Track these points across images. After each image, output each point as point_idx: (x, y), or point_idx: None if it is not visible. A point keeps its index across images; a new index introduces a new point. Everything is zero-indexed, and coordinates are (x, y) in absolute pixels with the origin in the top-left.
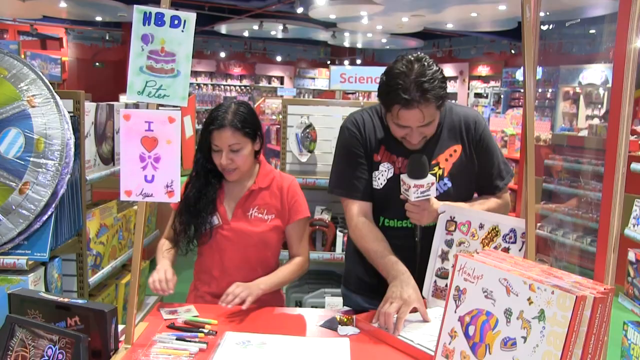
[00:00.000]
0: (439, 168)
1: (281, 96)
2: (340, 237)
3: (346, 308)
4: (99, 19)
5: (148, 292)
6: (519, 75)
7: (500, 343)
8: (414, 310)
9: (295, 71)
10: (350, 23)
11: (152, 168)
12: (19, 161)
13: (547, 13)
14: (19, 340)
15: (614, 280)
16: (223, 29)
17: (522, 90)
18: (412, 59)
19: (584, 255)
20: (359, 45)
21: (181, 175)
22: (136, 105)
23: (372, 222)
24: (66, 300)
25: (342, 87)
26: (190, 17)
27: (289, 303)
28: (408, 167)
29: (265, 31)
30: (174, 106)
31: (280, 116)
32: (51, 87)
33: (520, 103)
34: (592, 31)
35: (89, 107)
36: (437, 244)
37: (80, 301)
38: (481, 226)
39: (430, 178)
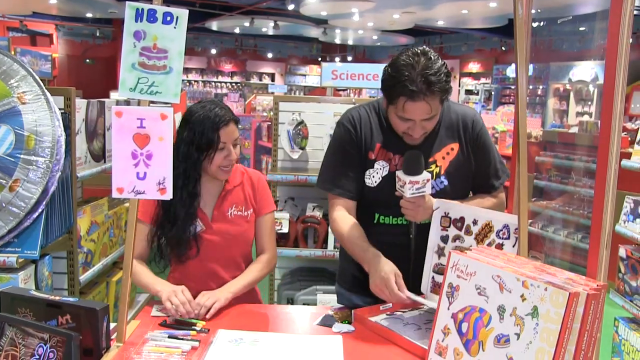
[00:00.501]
0: (436, 166)
1: (272, 93)
2: (332, 234)
3: (339, 305)
4: (89, 15)
5: (139, 290)
6: (509, 72)
7: (494, 340)
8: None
9: (287, 68)
10: (341, 20)
11: (144, 165)
12: (9, 158)
13: (539, 10)
14: (9, 339)
15: (606, 277)
16: (214, 25)
17: (512, 87)
18: (418, 51)
19: (575, 251)
20: (350, 42)
21: None
22: (127, 102)
23: (354, 218)
24: (57, 298)
25: (334, 83)
26: (182, 14)
27: (280, 300)
28: (404, 163)
29: (256, 28)
30: (165, 103)
31: (272, 113)
32: (42, 84)
33: (510, 100)
34: (582, 28)
35: (80, 104)
36: (433, 240)
37: (71, 299)
38: (475, 222)
39: (425, 175)
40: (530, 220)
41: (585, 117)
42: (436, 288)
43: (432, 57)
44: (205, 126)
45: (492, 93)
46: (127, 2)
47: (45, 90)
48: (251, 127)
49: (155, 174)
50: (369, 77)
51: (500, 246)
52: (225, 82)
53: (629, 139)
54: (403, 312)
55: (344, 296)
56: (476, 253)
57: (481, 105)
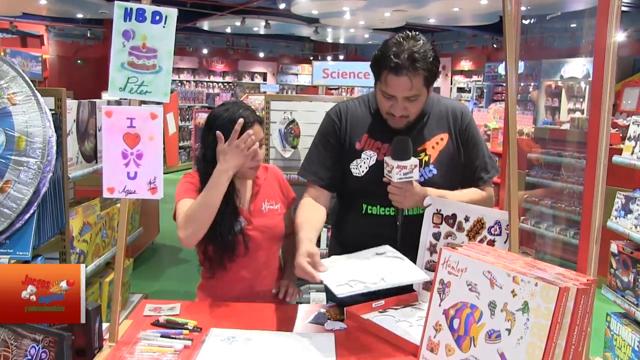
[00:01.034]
0: (425, 154)
1: (264, 92)
2: (324, 232)
3: (332, 303)
4: (80, 16)
5: (132, 290)
6: (501, 69)
7: (485, 336)
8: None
9: (278, 67)
10: (332, 18)
11: (134, 165)
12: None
13: (529, 7)
14: (1, 340)
15: (596, 272)
16: (205, 25)
17: (504, 85)
18: (409, 34)
19: (567, 247)
20: (342, 41)
21: (164, 173)
22: (118, 103)
23: (320, 206)
24: None
25: (325, 82)
26: (171, 13)
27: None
28: (392, 148)
29: (247, 27)
30: (157, 103)
31: (264, 112)
32: (32, 85)
33: (502, 97)
34: (573, 25)
35: (71, 104)
36: (425, 237)
37: None
38: (467, 219)
39: (413, 160)
40: (522, 217)
41: (577, 114)
42: (428, 285)
43: (422, 40)
44: (231, 130)
45: (484, 91)
46: (115, 2)
47: (36, 91)
48: None
49: (145, 174)
50: (360, 76)
51: (492, 242)
52: (217, 82)
53: (620, 135)
54: (395, 309)
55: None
56: (467, 249)
57: (473, 103)
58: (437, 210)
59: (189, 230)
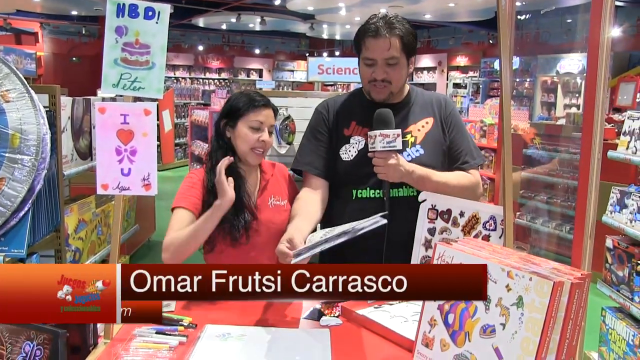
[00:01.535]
0: (412, 136)
1: (260, 89)
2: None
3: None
4: (74, 13)
5: None
6: (497, 65)
7: (480, 330)
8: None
9: (274, 64)
10: (328, 15)
11: (128, 161)
12: None
13: (523, 2)
14: None
15: (590, 267)
16: (201, 22)
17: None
18: (388, 14)
19: (562, 243)
20: (338, 37)
21: (158, 170)
22: (114, 100)
23: (317, 198)
24: None
25: (320, 78)
26: (164, 9)
27: None
28: (374, 119)
29: (243, 24)
30: (152, 100)
31: None
32: (25, 82)
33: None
34: (568, 20)
35: (65, 101)
36: (420, 232)
37: None
38: (462, 214)
39: (396, 130)
40: (517, 212)
41: (573, 109)
42: None
43: (400, 18)
44: (241, 100)
45: (480, 86)
46: None
47: (30, 89)
48: None
49: (139, 170)
50: (355, 71)
51: (487, 237)
52: (213, 79)
53: (616, 130)
54: (390, 304)
55: None
56: (462, 244)
57: (469, 99)
58: (432, 205)
59: (174, 255)
